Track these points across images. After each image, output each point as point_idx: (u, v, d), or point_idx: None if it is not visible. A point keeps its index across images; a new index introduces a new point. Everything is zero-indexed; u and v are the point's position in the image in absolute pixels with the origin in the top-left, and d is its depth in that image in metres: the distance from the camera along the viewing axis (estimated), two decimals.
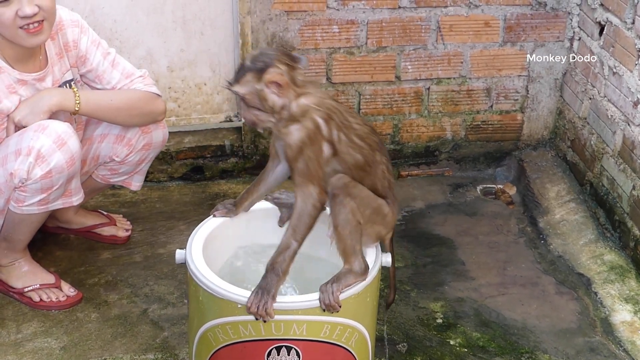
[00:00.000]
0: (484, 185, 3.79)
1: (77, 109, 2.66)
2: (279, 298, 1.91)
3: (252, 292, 1.90)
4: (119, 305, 2.89)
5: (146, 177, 3.17)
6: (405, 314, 2.95)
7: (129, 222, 3.24)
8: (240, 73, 1.95)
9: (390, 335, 2.83)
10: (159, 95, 2.86)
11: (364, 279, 1.98)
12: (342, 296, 1.93)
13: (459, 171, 3.83)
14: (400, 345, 2.80)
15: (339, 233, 1.98)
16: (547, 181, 3.65)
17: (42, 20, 2.50)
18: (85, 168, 2.91)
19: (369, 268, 2.00)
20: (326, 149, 1.99)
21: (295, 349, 1.93)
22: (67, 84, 2.73)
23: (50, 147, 2.50)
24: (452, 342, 2.84)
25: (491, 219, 3.57)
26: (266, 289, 1.89)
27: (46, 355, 2.65)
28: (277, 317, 1.89)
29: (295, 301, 1.92)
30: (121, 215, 3.26)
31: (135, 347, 2.72)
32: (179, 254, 2.05)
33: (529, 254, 3.35)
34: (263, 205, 2.26)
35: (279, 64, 1.92)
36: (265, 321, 1.88)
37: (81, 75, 2.81)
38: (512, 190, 3.74)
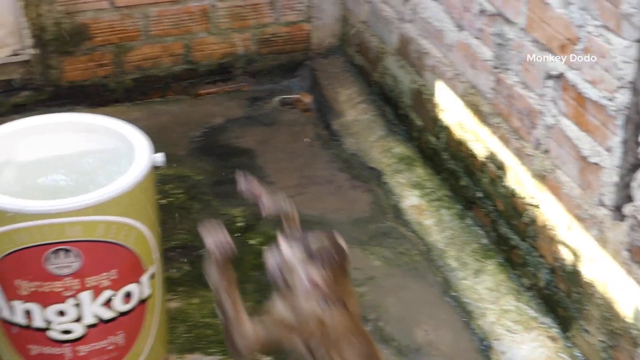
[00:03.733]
0: (282, 97, 3.91)
1: None
2: (49, 202, 1.96)
3: None
4: None
5: None
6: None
7: None
8: (298, 240, 1.91)
9: (192, 242, 2.95)
10: None
11: None
12: (112, 194, 2.00)
13: (255, 85, 3.93)
14: (202, 250, 2.91)
15: None
16: (338, 86, 3.81)
17: None
18: None
19: None
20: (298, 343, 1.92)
21: (73, 250, 1.99)
22: None
23: None
24: (252, 242, 2.98)
25: (289, 127, 3.71)
26: None
27: None
28: (49, 221, 1.95)
29: (66, 203, 1.97)
30: None
31: None
32: None
33: (325, 155, 3.51)
34: (32, 122, 2.30)
35: (329, 269, 1.86)
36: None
37: None
38: (307, 99, 3.89)
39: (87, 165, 2.23)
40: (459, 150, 3.00)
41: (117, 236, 2.05)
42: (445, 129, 3.08)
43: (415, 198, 3.16)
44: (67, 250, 2.00)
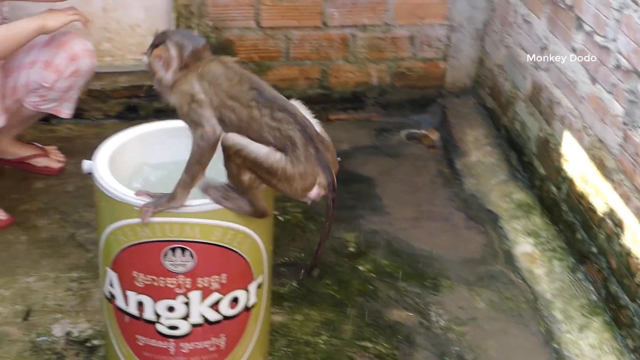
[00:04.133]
0: (409, 130, 3.97)
1: None
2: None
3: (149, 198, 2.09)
4: (48, 230, 3.07)
5: (82, 114, 3.31)
6: None
7: (62, 154, 3.40)
8: (149, 47, 2.23)
9: (304, 262, 3.03)
10: None
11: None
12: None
13: (385, 116, 4.01)
14: (313, 270, 2.99)
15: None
16: (467, 126, 3.84)
17: None
18: (17, 95, 3.05)
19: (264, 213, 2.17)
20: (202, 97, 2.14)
21: (189, 250, 2.11)
22: None
23: None
24: (361, 268, 3.03)
25: (412, 160, 3.76)
26: (155, 201, 2.07)
27: None
28: (171, 219, 2.07)
29: (188, 204, 2.09)
30: (55, 147, 3.42)
31: (61, 267, 2.89)
32: (87, 164, 2.21)
33: (444, 193, 3.54)
34: (169, 124, 2.44)
35: (170, 43, 2.15)
36: (143, 221, 2.07)
37: None
38: (434, 135, 3.93)
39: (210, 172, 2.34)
40: (578, 203, 2.98)
41: (232, 242, 2.15)
42: (568, 180, 3.07)
43: (528, 246, 3.15)
44: (183, 249, 2.11)
